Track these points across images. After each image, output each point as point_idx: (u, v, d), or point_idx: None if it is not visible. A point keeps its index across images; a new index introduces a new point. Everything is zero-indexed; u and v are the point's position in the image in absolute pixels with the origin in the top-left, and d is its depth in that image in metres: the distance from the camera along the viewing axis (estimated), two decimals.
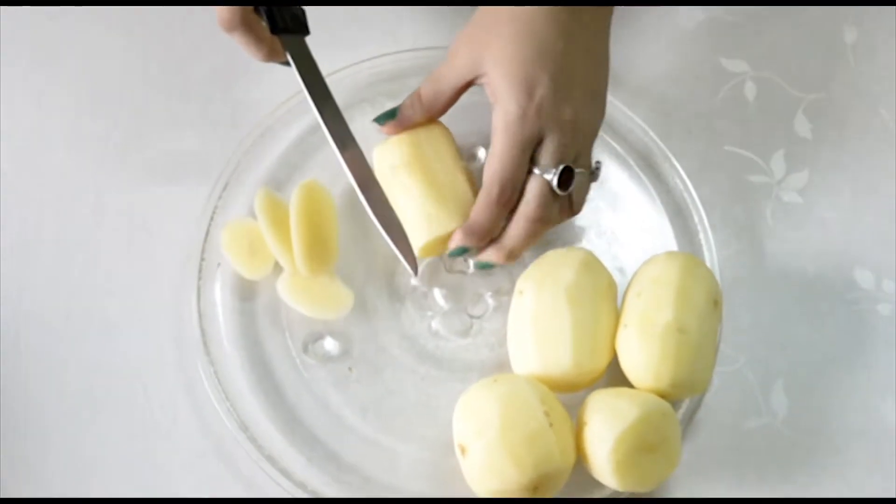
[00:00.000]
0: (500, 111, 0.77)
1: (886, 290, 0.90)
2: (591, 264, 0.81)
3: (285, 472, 0.78)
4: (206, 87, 0.92)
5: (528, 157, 0.77)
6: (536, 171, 0.78)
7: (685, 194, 0.89)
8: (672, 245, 0.88)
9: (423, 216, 0.79)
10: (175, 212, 0.87)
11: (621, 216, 0.90)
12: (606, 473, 0.74)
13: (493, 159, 0.77)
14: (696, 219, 0.88)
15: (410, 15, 0.95)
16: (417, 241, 0.80)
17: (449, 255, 0.80)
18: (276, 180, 0.87)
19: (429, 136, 0.82)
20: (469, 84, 0.80)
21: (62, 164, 0.88)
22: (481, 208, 0.78)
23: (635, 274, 0.82)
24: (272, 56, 0.79)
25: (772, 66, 0.97)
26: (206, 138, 0.90)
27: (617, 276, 0.83)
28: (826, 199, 0.93)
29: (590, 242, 0.89)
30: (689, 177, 0.89)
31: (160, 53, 0.93)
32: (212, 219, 0.85)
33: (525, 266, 0.82)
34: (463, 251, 0.80)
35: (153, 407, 0.82)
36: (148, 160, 0.89)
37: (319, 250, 0.82)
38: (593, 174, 0.81)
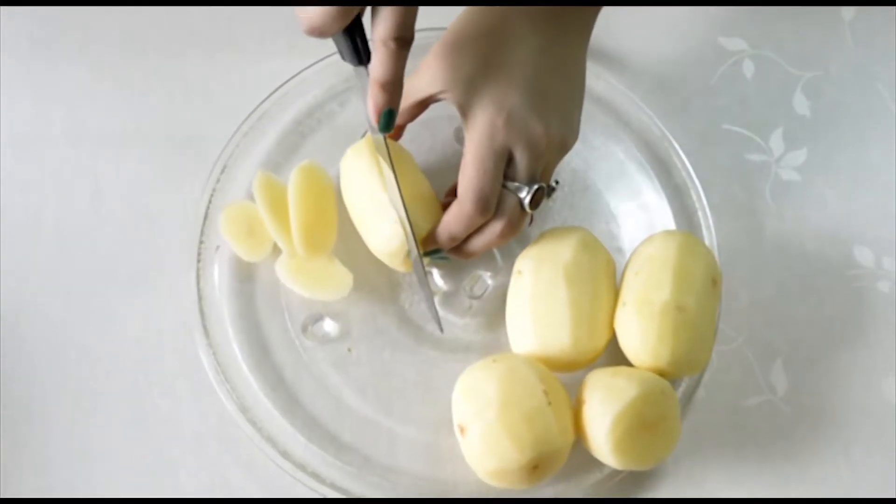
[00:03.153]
0: (471, 125, 0.76)
1: (886, 268, 0.90)
2: (590, 243, 0.81)
3: (285, 453, 0.78)
4: (203, 71, 0.92)
5: (501, 170, 0.77)
6: (510, 186, 0.77)
7: (683, 173, 0.89)
8: (670, 224, 0.88)
9: (410, 225, 0.78)
10: (173, 195, 0.87)
11: (619, 195, 0.90)
12: (605, 452, 0.74)
13: (466, 171, 0.76)
14: (694, 197, 0.88)
15: None
16: (393, 244, 0.79)
17: (425, 255, 0.80)
18: (274, 163, 0.87)
19: (393, 147, 0.81)
20: (431, 99, 0.80)
21: (61, 150, 0.88)
22: (455, 217, 0.77)
23: (633, 253, 0.82)
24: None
25: (770, 44, 0.97)
26: (204, 122, 0.90)
27: (615, 256, 0.83)
28: (825, 176, 0.93)
29: (588, 222, 0.88)
30: (687, 156, 0.89)
31: (158, 38, 0.93)
32: (210, 202, 0.85)
33: (524, 246, 0.83)
34: (434, 252, 0.80)
35: (153, 390, 0.82)
36: (145, 144, 0.89)
37: (318, 232, 0.82)
38: (549, 193, 0.81)
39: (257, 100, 0.88)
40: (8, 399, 0.81)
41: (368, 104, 0.74)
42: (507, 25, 0.77)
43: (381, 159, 0.78)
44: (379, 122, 0.74)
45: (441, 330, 0.83)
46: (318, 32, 0.70)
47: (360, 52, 0.73)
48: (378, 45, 0.72)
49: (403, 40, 0.72)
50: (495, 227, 0.78)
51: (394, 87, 0.73)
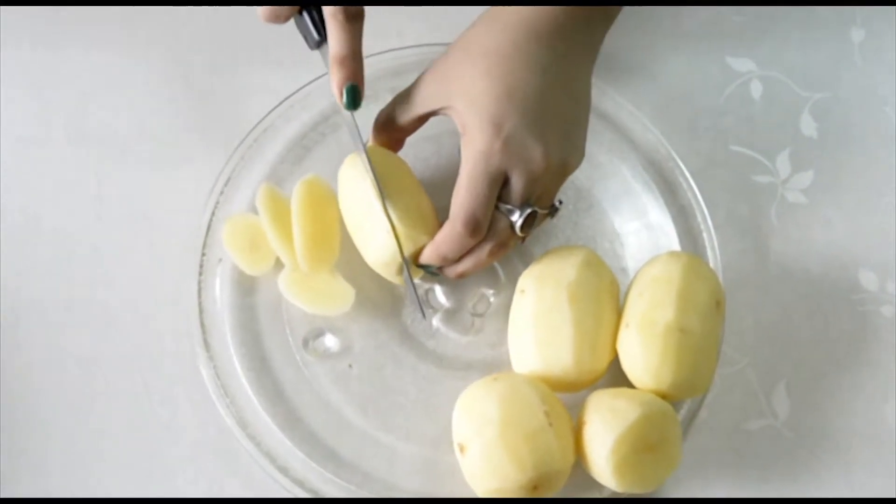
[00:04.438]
0: (468, 145, 0.75)
1: (890, 292, 0.89)
2: (593, 263, 0.80)
3: (283, 469, 0.78)
4: (208, 80, 0.91)
5: (496, 193, 0.76)
6: (502, 209, 0.77)
7: (689, 193, 0.89)
8: (675, 245, 0.87)
9: (395, 232, 0.78)
10: (176, 206, 0.87)
11: (624, 215, 0.89)
12: (606, 474, 0.74)
13: (460, 191, 0.76)
14: (699, 218, 0.88)
15: (414, 11, 0.94)
16: (386, 254, 0.79)
17: (418, 266, 0.80)
18: (278, 176, 0.87)
19: (392, 158, 0.82)
20: (432, 114, 0.79)
21: (62, 155, 0.88)
22: (447, 238, 0.77)
23: (637, 273, 0.82)
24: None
25: (778, 65, 0.97)
26: (209, 132, 0.89)
27: (619, 276, 0.83)
28: (831, 199, 0.93)
29: (592, 241, 0.88)
30: (693, 176, 0.89)
31: (162, 45, 0.92)
32: (213, 213, 0.84)
33: (527, 264, 0.82)
34: (425, 268, 0.80)
35: (152, 401, 0.82)
36: (149, 153, 0.89)
37: (321, 246, 0.82)
38: (551, 213, 0.81)
39: (262, 111, 0.87)
40: (6, 404, 0.81)
41: (331, 84, 0.75)
42: (511, 43, 0.76)
43: (367, 169, 0.78)
44: (343, 99, 0.75)
45: (423, 316, 0.83)
46: (273, 16, 0.74)
47: (320, 33, 0.76)
48: (329, 21, 0.74)
49: (349, 12, 0.73)
50: (484, 249, 0.78)
51: (351, 60, 0.75)
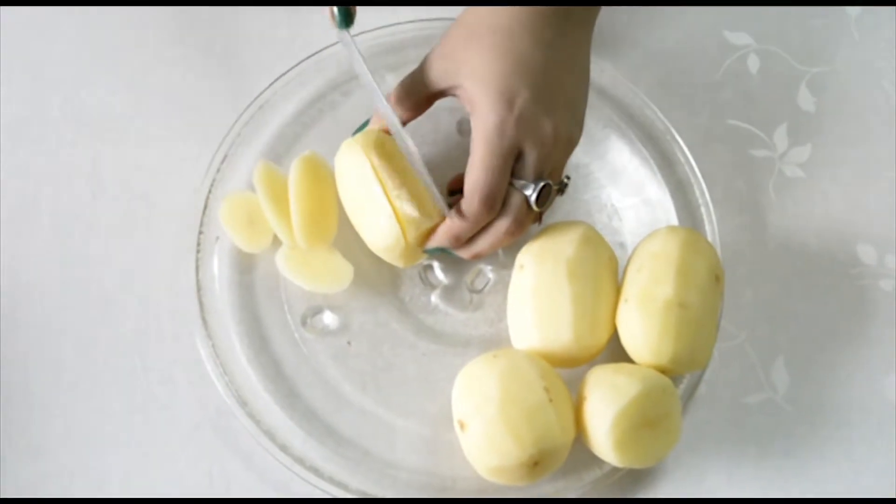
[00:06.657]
0: (479, 122, 0.75)
1: (889, 266, 0.89)
2: (592, 238, 0.80)
3: (283, 447, 0.78)
4: (205, 59, 0.91)
5: (509, 168, 0.76)
6: (515, 185, 0.77)
7: (687, 168, 0.89)
8: (673, 219, 0.87)
9: (397, 215, 0.77)
10: (173, 184, 0.86)
11: (622, 190, 0.89)
12: (606, 449, 0.74)
13: (474, 169, 0.75)
14: (697, 193, 0.88)
15: None
16: (389, 239, 0.78)
17: (425, 251, 0.80)
18: (275, 153, 0.87)
19: (392, 142, 0.81)
20: (441, 93, 0.79)
21: (60, 135, 0.88)
22: (463, 216, 0.77)
23: (636, 248, 0.82)
24: None
25: (775, 39, 0.97)
26: (205, 110, 0.89)
27: (617, 251, 0.83)
28: (829, 173, 0.92)
29: (590, 216, 0.88)
30: (690, 150, 0.89)
31: (159, 24, 0.92)
32: (210, 191, 0.84)
33: (526, 240, 0.82)
34: (439, 250, 0.79)
35: (151, 380, 0.82)
36: (145, 132, 0.88)
37: (318, 223, 0.82)
38: (561, 189, 0.80)
39: (259, 88, 0.87)
40: (5, 385, 0.80)
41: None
42: (516, 20, 0.76)
43: (372, 156, 0.78)
44: (336, 18, 0.76)
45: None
46: None
47: None
48: None
49: None
50: (501, 226, 0.77)
51: None
